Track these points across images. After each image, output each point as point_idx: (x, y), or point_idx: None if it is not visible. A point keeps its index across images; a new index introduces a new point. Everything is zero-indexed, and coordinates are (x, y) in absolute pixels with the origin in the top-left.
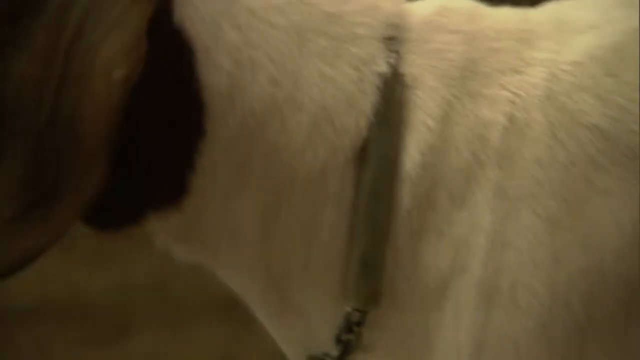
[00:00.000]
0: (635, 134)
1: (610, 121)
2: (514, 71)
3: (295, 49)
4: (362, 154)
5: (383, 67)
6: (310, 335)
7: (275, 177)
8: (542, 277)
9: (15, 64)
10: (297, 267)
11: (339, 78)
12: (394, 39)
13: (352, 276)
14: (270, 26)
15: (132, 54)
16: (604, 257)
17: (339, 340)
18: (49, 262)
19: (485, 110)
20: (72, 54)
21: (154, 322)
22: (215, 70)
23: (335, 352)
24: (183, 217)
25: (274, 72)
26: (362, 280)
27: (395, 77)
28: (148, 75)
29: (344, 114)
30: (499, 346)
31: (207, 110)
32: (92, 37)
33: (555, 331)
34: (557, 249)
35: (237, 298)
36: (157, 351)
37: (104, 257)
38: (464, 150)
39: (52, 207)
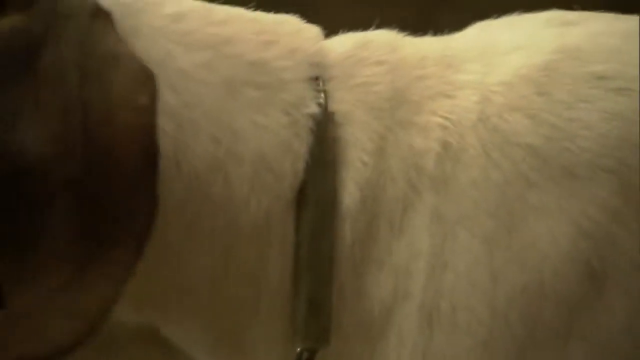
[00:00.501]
0: (568, 152)
1: (543, 140)
2: (444, 96)
3: (229, 103)
4: (300, 196)
5: (313, 108)
6: None
7: (223, 233)
8: (481, 297)
9: (23, 130)
10: (248, 316)
11: (272, 125)
12: (318, 78)
13: (300, 316)
14: (203, 84)
15: (146, 76)
16: (542, 274)
17: None
18: None
19: (417, 138)
20: (86, 99)
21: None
22: (160, 134)
23: None
24: (136, 280)
25: (212, 130)
26: (311, 320)
27: (326, 117)
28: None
29: (281, 159)
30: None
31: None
32: (100, 77)
33: (496, 350)
34: (495, 268)
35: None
36: None
37: None
38: (400, 180)
39: (110, 255)
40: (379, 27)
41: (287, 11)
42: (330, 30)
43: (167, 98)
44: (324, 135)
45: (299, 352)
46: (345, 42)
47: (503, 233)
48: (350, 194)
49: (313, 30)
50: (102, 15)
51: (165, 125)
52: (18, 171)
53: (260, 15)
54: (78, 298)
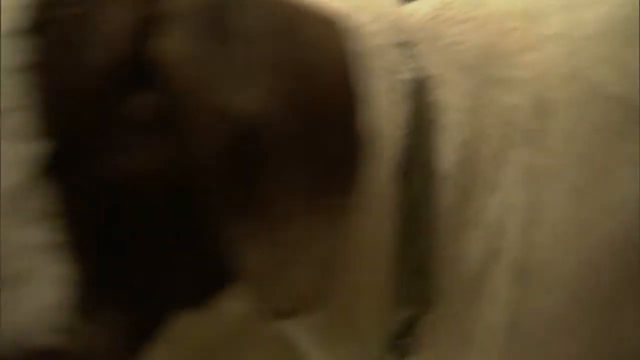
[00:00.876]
0: None
1: (631, 91)
2: (533, 49)
3: None
4: (404, 165)
5: (406, 74)
6: (364, 352)
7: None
8: (571, 249)
9: (242, 91)
10: (360, 289)
11: (373, 93)
12: (407, 42)
13: (405, 283)
14: None
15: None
16: (629, 223)
17: (395, 347)
18: None
19: (509, 94)
20: (292, 56)
21: None
22: None
23: (391, 358)
24: None
25: None
26: (415, 286)
27: (419, 81)
28: None
29: (385, 128)
30: (534, 321)
31: None
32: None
33: (587, 300)
34: (584, 219)
35: None
36: None
37: None
38: (494, 136)
39: (335, 205)
40: None
41: None
42: None
43: None
44: (420, 100)
45: (405, 319)
46: (427, 4)
47: (592, 184)
48: (448, 157)
49: None
50: None
51: None
52: (244, 133)
53: None
54: (313, 248)
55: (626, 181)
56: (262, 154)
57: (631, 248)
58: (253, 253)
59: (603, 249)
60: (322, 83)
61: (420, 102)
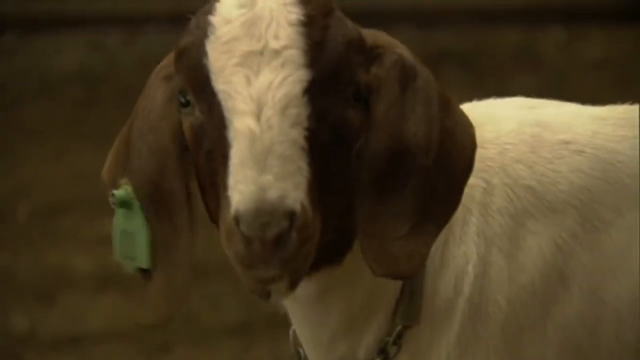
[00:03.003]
0: (551, 192)
1: (536, 183)
2: (480, 147)
3: None
4: None
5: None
6: (357, 346)
7: None
8: (502, 292)
9: (413, 126)
10: (377, 302)
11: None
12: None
13: (403, 302)
14: None
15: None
16: (533, 275)
17: (382, 351)
18: (114, 299)
19: (472, 178)
20: (444, 122)
21: (186, 341)
22: None
23: None
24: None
25: None
26: (409, 304)
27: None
28: None
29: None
30: (476, 345)
31: None
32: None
33: (508, 330)
34: (510, 272)
35: (245, 323)
36: None
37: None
38: (463, 205)
39: (426, 226)
40: None
41: None
42: None
43: None
44: None
45: (399, 329)
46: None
47: (514, 248)
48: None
49: None
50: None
51: None
52: (405, 151)
53: None
54: (409, 245)
55: (532, 246)
56: (405, 170)
57: (532, 292)
58: (367, 228)
59: (518, 293)
60: (454, 151)
61: None
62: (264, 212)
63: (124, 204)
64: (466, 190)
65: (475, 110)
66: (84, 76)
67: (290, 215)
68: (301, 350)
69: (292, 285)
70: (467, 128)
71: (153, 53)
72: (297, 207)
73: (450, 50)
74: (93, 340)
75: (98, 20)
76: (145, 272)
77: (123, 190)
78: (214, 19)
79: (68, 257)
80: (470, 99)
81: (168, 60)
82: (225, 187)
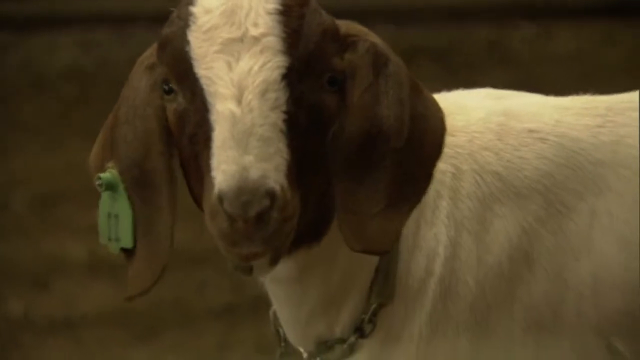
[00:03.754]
0: (517, 178)
1: (503, 169)
2: (450, 135)
3: None
4: None
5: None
6: (334, 324)
7: None
8: (470, 273)
9: (386, 109)
10: (353, 282)
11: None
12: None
13: (378, 282)
14: None
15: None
16: (500, 257)
17: (358, 329)
18: (105, 285)
19: (442, 164)
20: (413, 104)
21: (173, 325)
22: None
23: (352, 338)
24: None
25: None
26: (384, 284)
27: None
28: None
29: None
30: (446, 323)
31: None
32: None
33: (476, 308)
34: (478, 254)
35: (230, 307)
36: (179, 343)
37: None
38: (433, 190)
39: (401, 205)
40: None
41: None
42: None
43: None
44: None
45: (374, 307)
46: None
47: (482, 231)
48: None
49: None
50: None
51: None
52: (379, 134)
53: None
54: (384, 222)
55: (498, 229)
56: (378, 151)
57: (500, 273)
58: (344, 205)
59: (485, 273)
60: (425, 134)
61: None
62: (246, 191)
63: (110, 186)
64: (437, 175)
65: (445, 100)
66: (76, 73)
67: (271, 194)
68: (281, 330)
69: (273, 262)
70: (436, 112)
71: (142, 51)
72: (277, 188)
73: (424, 46)
74: (85, 324)
75: (89, 19)
76: (128, 252)
77: (109, 174)
78: (195, 9)
79: (61, 244)
80: (441, 92)
81: (150, 51)
82: (208, 169)
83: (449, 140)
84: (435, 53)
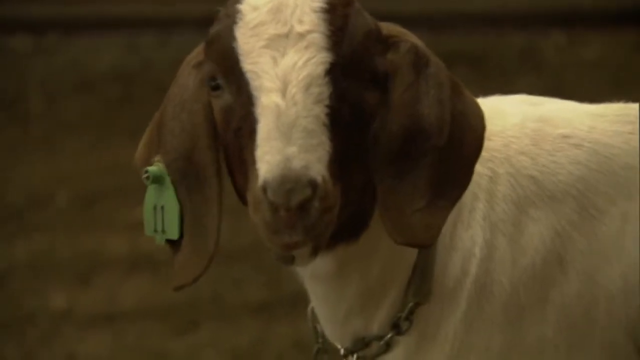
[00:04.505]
0: (552, 182)
1: (539, 173)
2: (486, 139)
3: None
4: None
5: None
6: (371, 321)
7: None
8: (504, 274)
9: (427, 108)
10: (391, 279)
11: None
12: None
13: (415, 281)
14: None
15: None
16: (534, 260)
17: (395, 326)
18: (145, 280)
19: (479, 166)
20: (454, 104)
21: (211, 320)
22: None
23: (389, 335)
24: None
25: None
26: (421, 283)
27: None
28: None
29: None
30: (481, 323)
31: None
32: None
33: (510, 310)
34: (512, 255)
35: (267, 303)
36: (216, 338)
37: None
38: (470, 192)
39: (439, 202)
40: None
41: None
42: None
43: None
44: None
45: (411, 306)
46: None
47: (517, 233)
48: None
49: None
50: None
51: None
52: (420, 132)
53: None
54: (426, 218)
55: (533, 232)
56: (419, 149)
57: (534, 275)
58: (385, 202)
59: (520, 275)
60: (465, 132)
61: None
62: (289, 180)
63: (157, 179)
64: (474, 178)
65: (482, 105)
66: (119, 75)
67: (313, 184)
68: (318, 326)
69: (314, 252)
70: (476, 111)
71: (185, 54)
72: (319, 178)
73: (459, 51)
74: (126, 318)
75: (133, 22)
76: (173, 244)
77: (156, 167)
78: (242, 7)
79: (103, 241)
80: (477, 97)
81: (197, 50)
82: (253, 160)
83: (485, 144)
84: (470, 58)
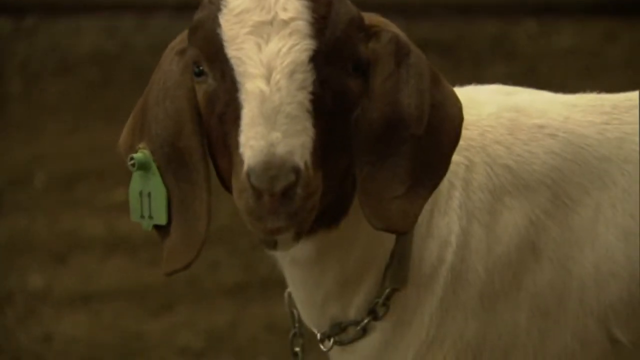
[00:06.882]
0: (527, 172)
1: (513, 162)
2: (462, 128)
3: None
4: None
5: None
6: (348, 306)
7: None
8: (479, 261)
9: (406, 98)
10: (369, 266)
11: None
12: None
13: (393, 267)
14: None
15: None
16: (509, 248)
17: (372, 311)
18: (122, 262)
19: (455, 155)
20: (433, 93)
21: (187, 301)
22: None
23: (366, 320)
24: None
25: None
26: (397, 269)
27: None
28: None
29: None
30: (456, 309)
31: None
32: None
33: (485, 296)
34: (488, 242)
35: (241, 286)
36: (191, 319)
37: (159, 257)
38: (446, 180)
39: (418, 190)
40: None
41: None
42: None
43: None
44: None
45: (388, 291)
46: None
47: (493, 221)
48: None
49: None
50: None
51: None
52: (399, 120)
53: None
54: (404, 204)
55: (507, 220)
56: (399, 137)
57: (507, 262)
58: (365, 188)
59: (495, 262)
60: (443, 122)
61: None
62: (273, 165)
63: (142, 166)
64: (450, 167)
65: (458, 95)
66: (98, 58)
67: (296, 170)
68: (295, 311)
69: (297, 237)
70: (455, 101)
71: (163, 38)
72: (302, 164)
73: (432, 39)
74: (103, 299)
75: (112, 6)
76: (161, 230)
77: (141, 154)
78: None
79: (81, 222)
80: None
81: (181, 37)
82: (236, 146)
83: (462, 133)
84: (442, 47)
